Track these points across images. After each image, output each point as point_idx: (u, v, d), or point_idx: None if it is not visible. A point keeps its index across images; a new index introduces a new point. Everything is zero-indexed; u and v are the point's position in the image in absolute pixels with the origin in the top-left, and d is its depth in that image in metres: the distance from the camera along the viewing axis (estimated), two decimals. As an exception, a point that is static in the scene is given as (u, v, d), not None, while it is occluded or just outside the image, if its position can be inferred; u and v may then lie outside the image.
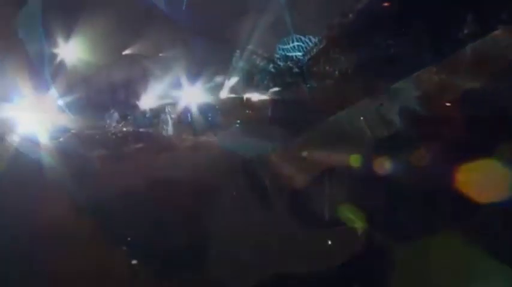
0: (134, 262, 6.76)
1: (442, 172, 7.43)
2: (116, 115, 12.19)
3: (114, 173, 10.83)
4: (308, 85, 11.80)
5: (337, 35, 11.24)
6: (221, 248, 6.76)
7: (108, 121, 12.07)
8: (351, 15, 10.64)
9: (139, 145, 12.26)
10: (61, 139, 11.46)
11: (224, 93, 13.61)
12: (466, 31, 9.02)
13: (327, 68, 11.73)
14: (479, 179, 6.65)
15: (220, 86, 13.48)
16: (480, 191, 6.40)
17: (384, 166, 7.96)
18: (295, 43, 13.63)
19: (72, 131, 11.75)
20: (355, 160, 8.27)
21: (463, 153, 7.45)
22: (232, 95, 13.46)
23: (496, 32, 8.64)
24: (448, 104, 9.01)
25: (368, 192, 7.21)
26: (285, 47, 13.58)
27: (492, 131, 7.57)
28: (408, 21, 9.83)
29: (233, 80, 13.53)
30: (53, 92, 11.60)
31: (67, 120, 11.71)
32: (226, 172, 9.84)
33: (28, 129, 11.26)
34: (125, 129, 12.13)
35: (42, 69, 11.50)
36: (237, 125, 12.80)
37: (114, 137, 11.89)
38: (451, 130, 8.42)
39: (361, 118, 10.56)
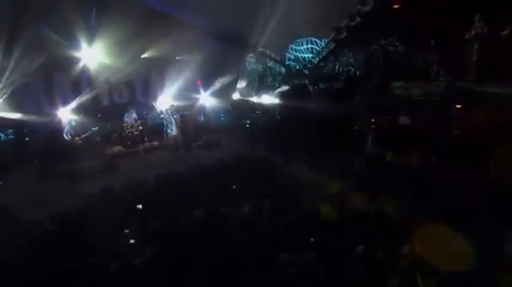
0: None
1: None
2: (134, 115, 12.95)
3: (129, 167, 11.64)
4: (316, 87, 11.85)
5: (345, 37, 11.23)
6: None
7: (126, 120, 12.84)
8: (358, 18, 10.60)
9: (154, 143, 13.03)
10: (83, 136, 12.49)
11: (236, 95, 14.01)
12: (473, 32, 8.74)
13: (336, 70, 11.73)
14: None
15: (232, 87, 13.90)
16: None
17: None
18: (309, 45, 13.62)
19: (94, 128, 12.73)
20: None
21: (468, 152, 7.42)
22: (244, 97, 13.81)
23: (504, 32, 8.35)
24: (458, 106, 8.85)
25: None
26: (298, 47, 13.63)
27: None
28: (415, 23, 9.65)
29: (245, 82, 13.90)
30: (77, 94, 12.58)
31: (90, 120, 12.64)
32: (233, 169, 10.17)
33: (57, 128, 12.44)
34: (141, 127, 12.85)
35: (67, 72, 12.50)
36: (247, 126, 13.14)
37: (130, 135, 12.65)
38: (459, 130, 8.31)
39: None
